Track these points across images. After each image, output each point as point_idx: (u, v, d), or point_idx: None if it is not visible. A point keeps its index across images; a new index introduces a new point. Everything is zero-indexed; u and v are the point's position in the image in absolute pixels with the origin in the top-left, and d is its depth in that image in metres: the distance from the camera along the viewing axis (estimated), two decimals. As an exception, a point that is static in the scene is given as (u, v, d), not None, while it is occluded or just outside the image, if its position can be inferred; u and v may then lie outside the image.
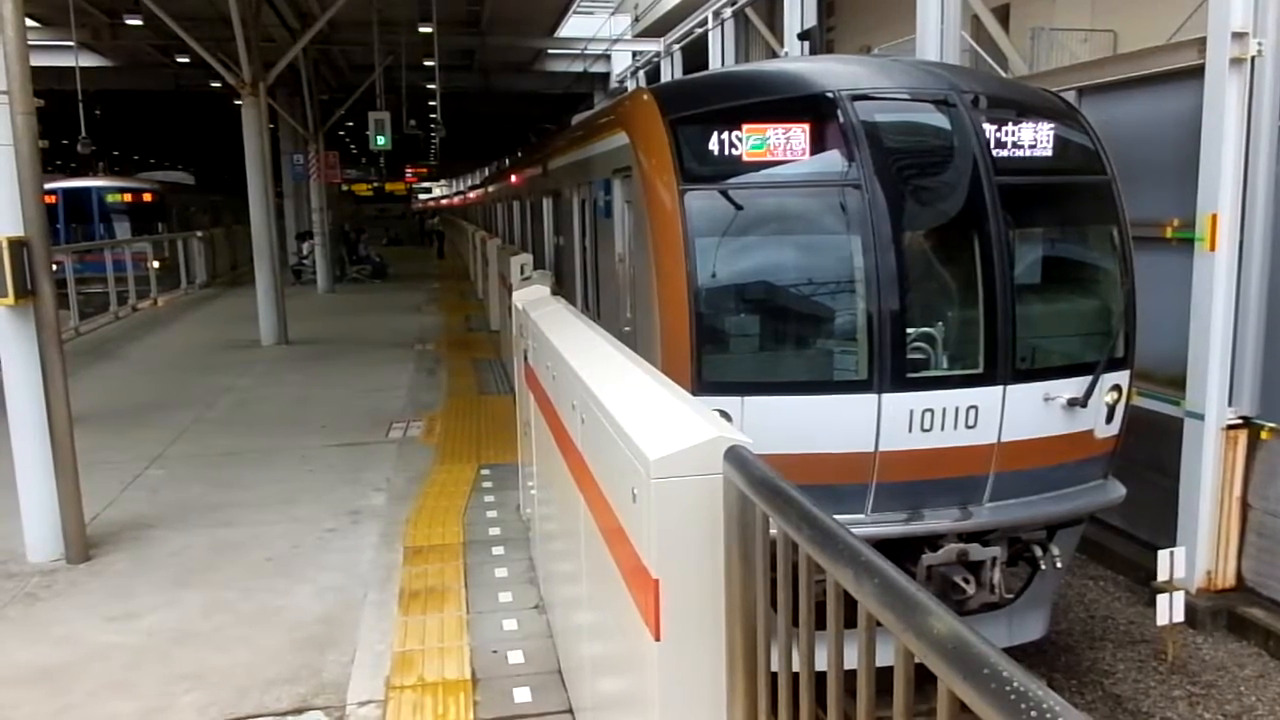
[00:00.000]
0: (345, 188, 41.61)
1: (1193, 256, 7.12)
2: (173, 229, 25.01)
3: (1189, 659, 6.66)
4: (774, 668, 2.05)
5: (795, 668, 1.95)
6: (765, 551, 2.01)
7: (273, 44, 17.11)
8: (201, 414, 9.58)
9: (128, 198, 25.82)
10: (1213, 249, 6.93)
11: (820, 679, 1.85)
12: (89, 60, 22.79)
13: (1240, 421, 7.10)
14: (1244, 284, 7.00)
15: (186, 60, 21.76)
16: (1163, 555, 6.51)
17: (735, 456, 2.07)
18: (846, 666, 1.73)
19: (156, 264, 20.40)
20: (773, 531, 1.96)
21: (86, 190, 25.10)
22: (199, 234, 24.56)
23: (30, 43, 5.61)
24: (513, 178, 18.67)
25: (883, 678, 1.62)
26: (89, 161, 25.21)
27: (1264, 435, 7.03)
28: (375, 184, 51.00)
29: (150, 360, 13.18)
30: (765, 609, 2.03)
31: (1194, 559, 7.01)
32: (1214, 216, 6.89)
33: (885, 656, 1.59)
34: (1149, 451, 7.21)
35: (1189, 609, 6.67)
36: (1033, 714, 1.00)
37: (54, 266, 5.70)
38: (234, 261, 27.39)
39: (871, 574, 1.43)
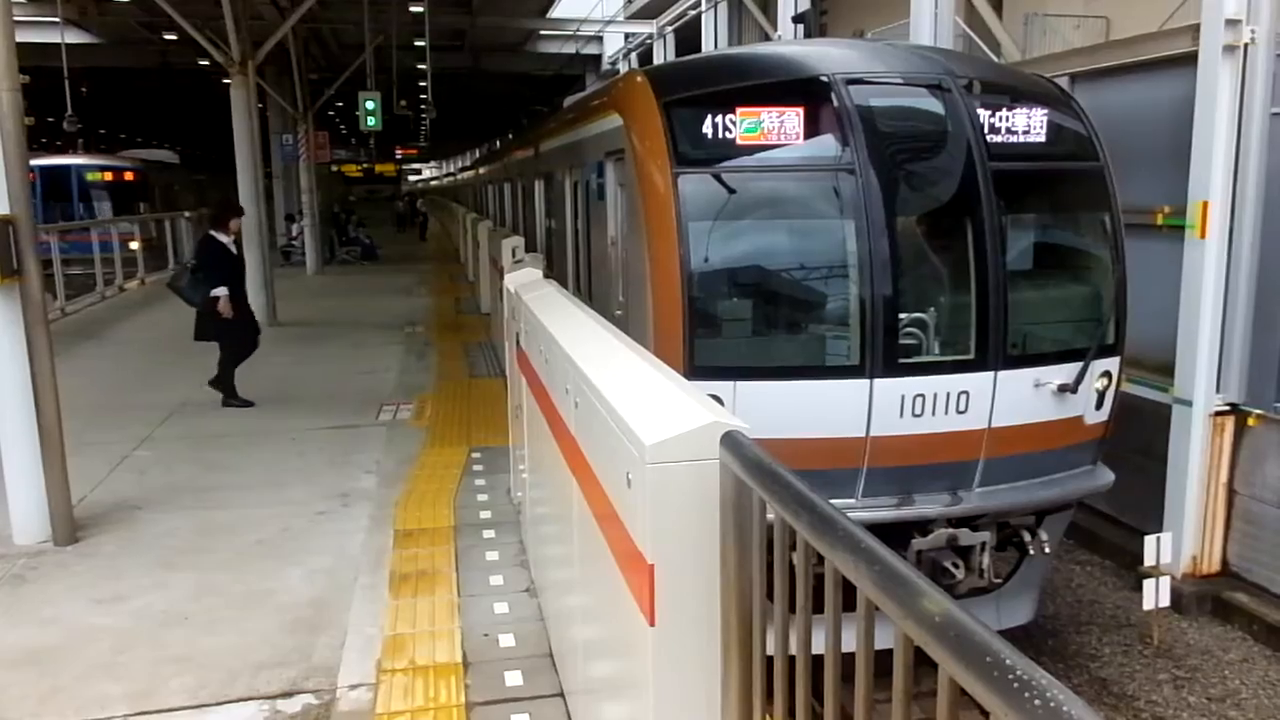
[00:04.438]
0: (335, 168, 41.31)
1: (1183, 243, 7.14)
2: (155, 209, 24.36)
3: (1174, 643, 6.72)
4: (769, 653, 2.05)
5: (791, 652, 1.95)
6: (762, 537, 2.01)
7: (262, 21, 16.94)
8: (190, 395, 9.52)
9: (108, 176, 25.03)
10: (1203, 236, 6.95)
11: (815, 663, 1.85)
12: (75, 36, 22.51)
13: (1228, 408, 7.15)
14: (1233, 272, 7.03)
15: (174, 38, 21.52)
16: (1149, 540, 6.57)
17: (732, 442, 2.07)
18: (842, 650, 1.74)
19: (135, 245, 19.76)
20: (769, 517, 1.96)
21: (65, 168, 24.39)
22: (187, 214, 24.31)
23: (15, 18, 5.53)
24: (504, 160, 18.56)
25: (874, 661, 1.62)
26: (73, 139, 24.86)
27: (1251, 422, 7.08)
28: (365, 165, 50.68)
29: (137, 341, 13.09)
30: (761, 594, 2.03)
31: (1180, 544, 7.07)
32: (1205, 204, 6.91)
33: (878, 640, 1.59)
34: (1137, 437, 7.25)
35: (1175, 594, 6.73)
36: (1036, 702, 1.00)
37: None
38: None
39: (871, 560, 1.43)
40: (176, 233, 22.91)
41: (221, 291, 8.68)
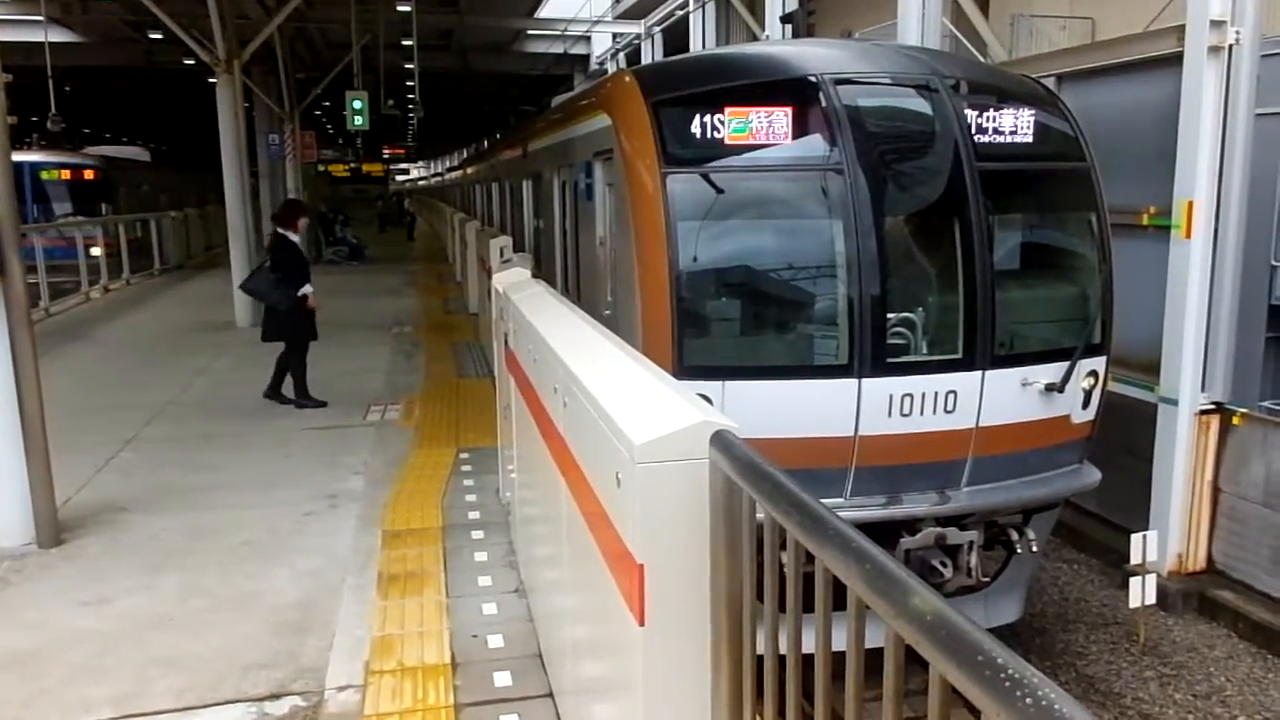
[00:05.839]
0: (322, 168, 41.08)
1: (1168, 243, 7.18)
2: (119, 211, 22.76)
3: (1160, 641, 6.76)
4: (759, 652, 2.05)
5: (781, 652, 1.95)
6: (752, 536, 2.00)
7: (248, 21, 16.83)
8: (176, 396, 9.46)
9: (66, 175, 23.23)
10: (1188, 236, 6.99)
11: (805, 663, 1.85)
12: (59, 35, 22.30)
13: (1213, 407, 7.19)
14: (1218, 271, 7.07)
15: (159, 37, 21.38)
16: (1135, 539, 6.60)
17: (722, 441, 2.06)
18: (832, 649, 1.73)
19: (97, 251, 18.23)
20: (758, 516, 1.96)
21: (17, 166, 22.88)
22: (172, 214, 24.05)
23: (-2, 16, 5.48)
24: (492, 159, 18.53)
25: (864, 660, 1.62)
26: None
27: (1235, 420, 7.13)
28: (352, 165, 50.44)
29: (123, 342, 13.01)
30: (751, 594, 2.02)
31: (1166, 542, 7.11)
32: (1190, 204, 6.95)
33: (868, 639, 1.59)
34: (1123, 436, 7.29)
35: (1160, 591, 6.77)
36: (1027, 700, 1.00)
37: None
38: (208, 243, 26.88)
39: (862, 559, 1.43)
40: (162, 233, 22.71)
41: (308, 289, 8.79)
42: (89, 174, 23.97)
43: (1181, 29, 7.03)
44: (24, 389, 5.46)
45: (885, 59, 5.81)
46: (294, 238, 8.93)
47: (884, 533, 5.17)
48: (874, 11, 13.27)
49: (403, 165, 77.62)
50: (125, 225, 20.41)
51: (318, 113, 35.41)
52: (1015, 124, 5.54)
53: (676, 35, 21.23)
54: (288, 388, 9.00)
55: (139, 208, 24.17)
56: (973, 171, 5.31)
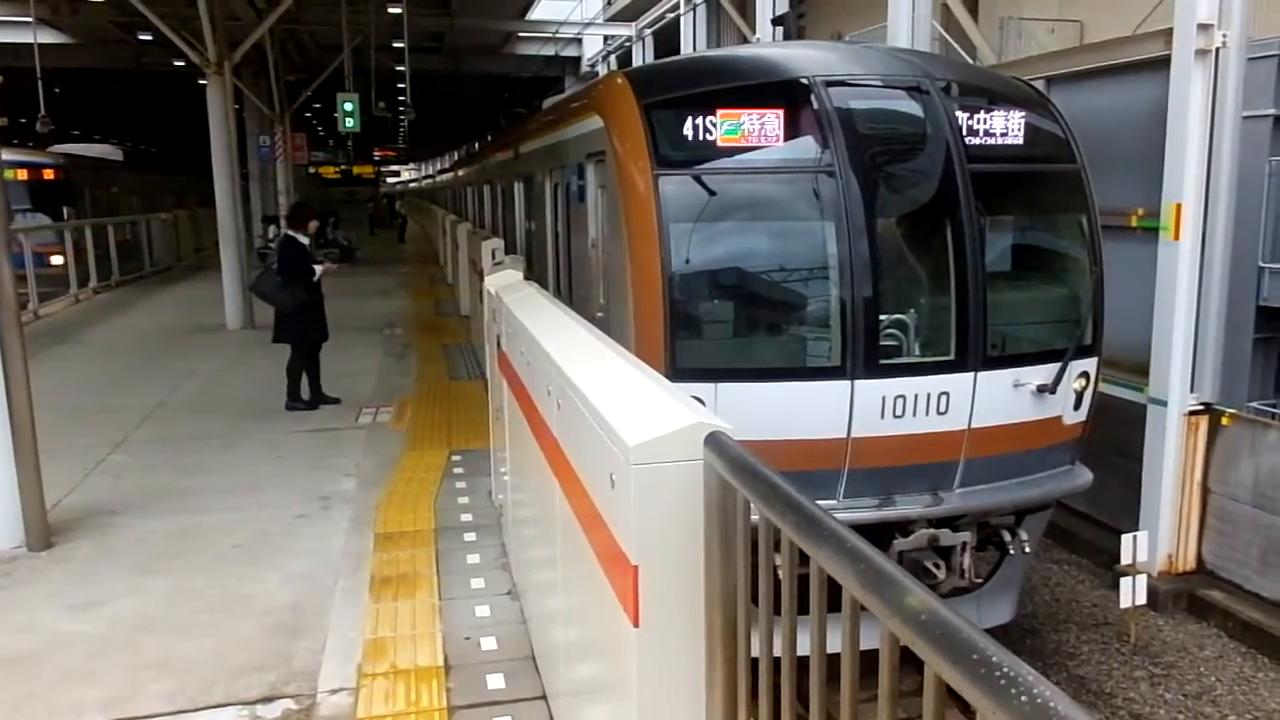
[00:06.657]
0: (312, 170, 40.95)
1: (1157, 245, 7.22)
2: (84, 215, 21.31)
3: (1151, 640, 6.79)
4: (754, 653, 2.05)
5: (776, 653, 1.95)
6: (746, 537, 2.01)
7: (238, 22, 16.81)
8: (166, 398, 9.42)
9: (22, 175, 21.19)
10: (1176, 238, 7.03)
11: (800, 664, 1.85)
12: (48, 37, 22.21)
13: (1201, 408, 7.23)
14: (1206, 273, 7.12)
15: (149, 38, 21.31)
16: (1126, 539, 6.63)
17: (716, 442, 2.07)
18: (827, 651, 1.74)
19: (58, 259, 17.32)
20: (753, 517, 1.96)
21: None
22: (163, 216, 23.93)
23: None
24: (483, 162, 18.52)
25: (858, 662, 1.62)
26: (47, 140, 23.90)
27: (1224, 421, 7.17)
28: (343, 166, 50.29)
29: (113, 344, 12.94)
30: (746, 595, 2.03)
31: (1156, 543, 7.14)
32: (1178, 206, 6.99)
33: (863, 640, 1.59)
34: (1113, 437, 7.32)
35: (1151, 592, 6.80)
36: (1023, 698, 1.00)
37: None
38: (198, 244, 26.72)
39: (857, 559, 1.43)
40: (152, 235, 22.57)
41: (318, 266, 8.97)
42: (48, 174, 22.15)
43: (1169, 32, 7.08)
44: (13, 391, 5.43)
45: (876, 61, 5.83)
46: (303, 239, 9.02)
47: (877, 535, 5.17)
48: (864, 14, 13.32)
49: (394, 167, 77.46)
50: (115, 227, 20.27)
51: (308, 115, 35.38)
52: (1006, 126, 5.56)
53: (668, 37, 21.29)
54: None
55: (107, 211, 22.91)
56: (964, 173, 5.33)
